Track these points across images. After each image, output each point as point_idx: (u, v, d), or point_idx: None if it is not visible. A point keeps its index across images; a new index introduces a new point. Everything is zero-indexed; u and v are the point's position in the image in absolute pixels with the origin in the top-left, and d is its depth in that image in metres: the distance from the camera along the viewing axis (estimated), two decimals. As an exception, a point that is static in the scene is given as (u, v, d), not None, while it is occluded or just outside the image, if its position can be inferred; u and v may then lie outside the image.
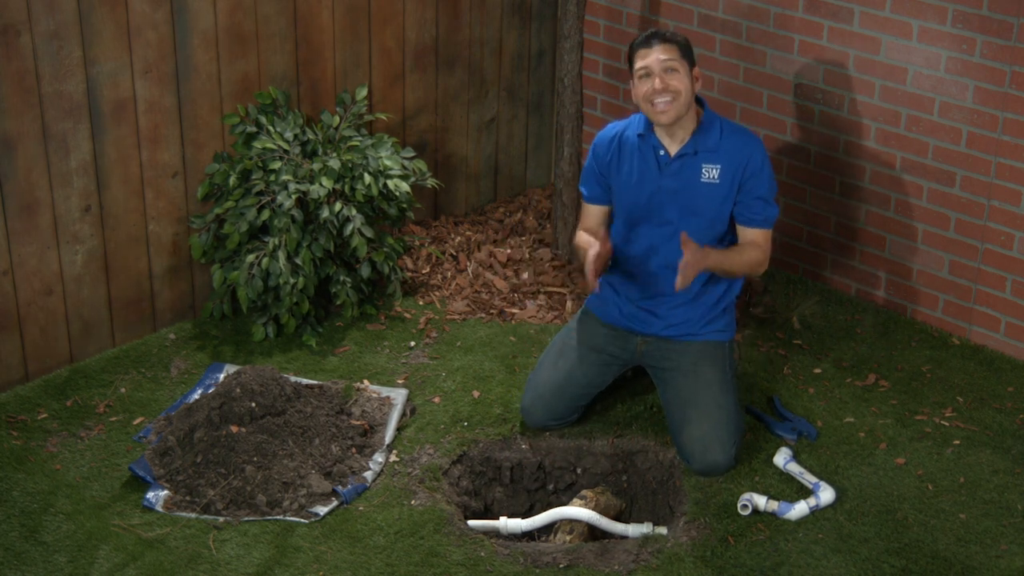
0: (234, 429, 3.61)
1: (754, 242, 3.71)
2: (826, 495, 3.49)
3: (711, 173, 3.65)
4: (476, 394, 3.98)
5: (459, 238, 4.85)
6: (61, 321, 4.03)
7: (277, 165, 4.15)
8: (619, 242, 3.81)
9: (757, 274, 3.78)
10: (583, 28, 4.57)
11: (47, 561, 3.29)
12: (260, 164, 4.18)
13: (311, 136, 4.30)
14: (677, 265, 3.66)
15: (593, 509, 3.55)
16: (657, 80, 3.57)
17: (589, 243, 3.68)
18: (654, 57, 3.58)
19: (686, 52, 3.62)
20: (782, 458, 3.63)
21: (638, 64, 3.61)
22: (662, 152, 3.68)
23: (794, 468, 3.59)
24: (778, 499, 3.50)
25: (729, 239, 3.75)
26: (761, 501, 3.47)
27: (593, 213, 3.86)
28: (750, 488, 3.56)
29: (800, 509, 3.46)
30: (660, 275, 3.73)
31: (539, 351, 4.18)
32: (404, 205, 4.38)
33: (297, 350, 4.19)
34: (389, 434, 3.77)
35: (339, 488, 3.53)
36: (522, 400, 3.83)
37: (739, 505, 3.47)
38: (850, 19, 4.28)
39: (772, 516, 3.47)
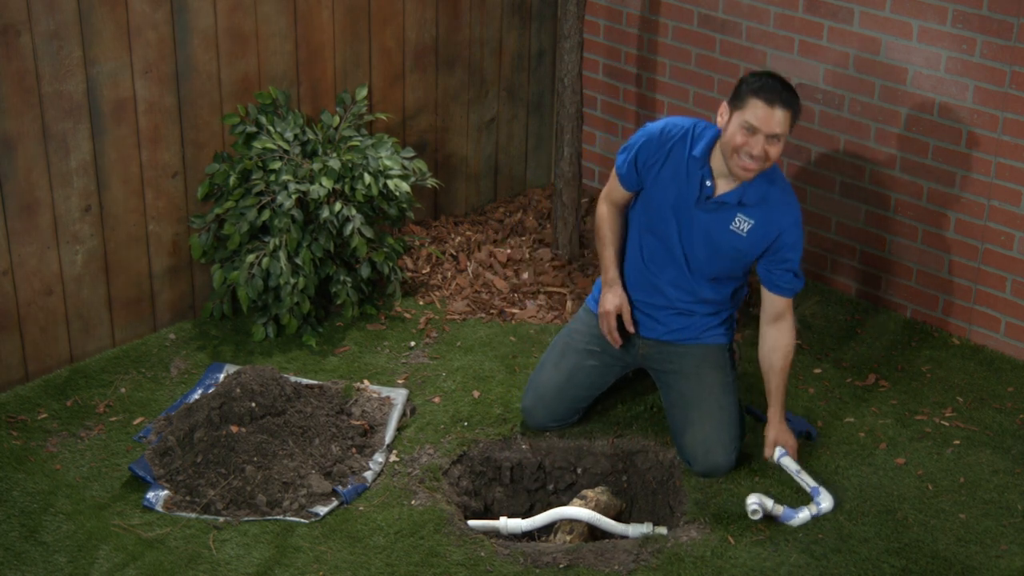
0: (234, 429, 3.61)
1: (782, 312, 3.63)
2: (826, 503, 3.47)
3: (741, 225, 3.55)
4: (476, 394, 3.98)
5: (459, 238, 4.85)
6: (61, 321, 4.03)
7: (277, 165, 4.15)
8: (633, 242, 3.77)
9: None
10: (583, 28, 4.57)
11: (47, 561, 3.29)
12: (260, 164, 4.18)
13: (311, 136, 4.30)
14: (681, 283, 3.65)
15: (593, 509, 3.55)
16: (759, 147, 3.39)
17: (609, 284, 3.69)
18: (770, 123, 3.37)
19: (796, 118, 3.46)
20: (777, 451, 3.63)
21: (750, 118, 3.37)
22: (708, 184, 3.54)
23: (789, 464, 3.58)
24: (781, 502, 3.50)
25: (733, 281, 3.70)
26: (769, 504, 3.46)
27: (621, 193, 3.72)
28: (750, 488, 3.56)
29: (803, 517, 3.45)
30: (664, 289, 3.71)
31: (539, 351, 4.18)
32: (404, 205, 4.38)
33: (297, 350, 4.19)
34: (389, 434, 3.77)
35: (339, 488, 3.53)
36: (523, 401, 3.83)
37: (749, 509, 3.43)
38: (850, 19, 4.28)
39: (773, 517, 3.47)
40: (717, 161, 3.53)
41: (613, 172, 3.72)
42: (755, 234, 3.55)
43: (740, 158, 3.42)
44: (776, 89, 3.39)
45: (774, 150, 3.41)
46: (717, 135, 3.52)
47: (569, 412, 3.81)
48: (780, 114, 3.39)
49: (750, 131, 3.39)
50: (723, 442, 3.59)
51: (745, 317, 4.40)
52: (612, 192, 3.77)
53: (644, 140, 3.62)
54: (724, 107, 3.47)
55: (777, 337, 3.63)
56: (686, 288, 3.68)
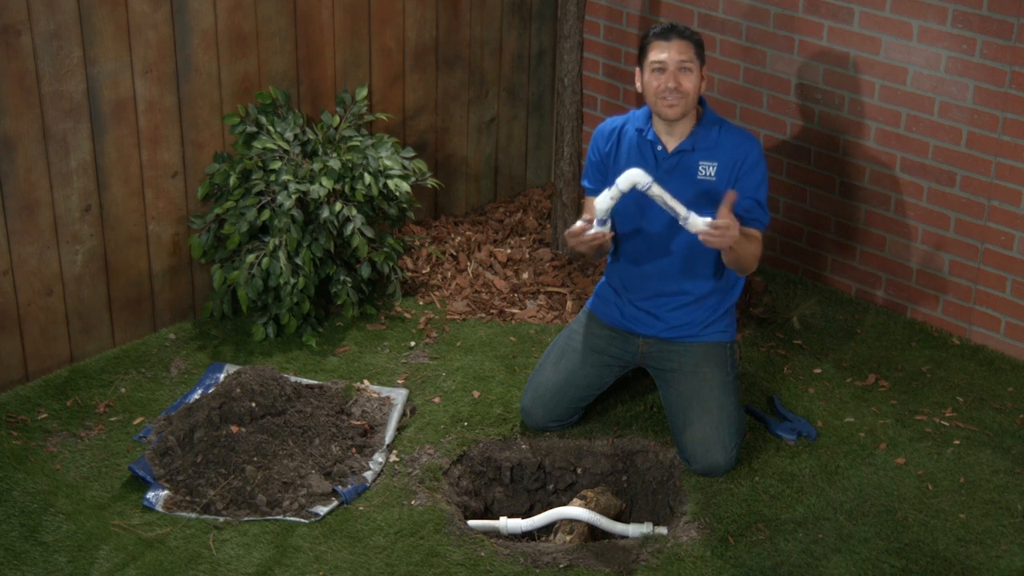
0: (234, 429, 3.61)
1: (750, 232, 3.68)
2: (695, 218, 3.41)
3: (708, 170, 3.65)
4: (476, 394, 3.98)
5: (459, 238, 4.85)
6: (61, 321, 4.03)
7: (277, 165, 4.15)
8: (620, 245, 3.80)
9: (748, 271, 3.75)
10: (583, 28, 4.57)
11: (47, 561, 3.29)
12: (260, 164, 4.18)
13: (311, 136, 4.30)
14: (671, 269, 3.68)
15: (593, 509, 3.55)
16: (671, 79, 3.57)
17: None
18: (672, 54, 3.57)
19: (700, 51, 3.62)
20: (699, 221, 3.47)
21: (653, 57, 3.60)
22: (659, 147, 3.68)
23: (603, 201, 3.49)
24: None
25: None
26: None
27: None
28: (750, 488, 3.56)
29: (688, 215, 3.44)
30: (657, 273, 3.73)
31: (539, 351, 4.18)
32: (404, 205, 4.38)
33: (297, 350, 4.19)
34: (389, 434, 3.77)
35: (339, 488, 3.53)
36: (522, 401, 3.83)
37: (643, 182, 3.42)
38: (850, 19, 4.28)
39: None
40: (659, 126, 3.69)
41: (585, 200, 3.88)
42: (723, 171, 3.66)
43: (662, 99, 3.59)
44: (667, 27, 3.63)
45: (687, 81, 3.59)
46: (650, 110, 3.71)
47: (568, 412, 3.81)
48: (677, 43, 3.59)
49: (659, 70, 3.59)
50: (723, 441, 3.59)
51: (745, 317, 4.40)
52: (588, 211, 3.82)
53: (594, 140, 3.84)
54: (636, 72, 3.68)
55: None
56: (677, 272, 3.69)
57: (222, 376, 4.02)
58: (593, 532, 3.57)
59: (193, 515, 3.45)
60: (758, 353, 4.20)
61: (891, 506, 3.50)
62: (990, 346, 4.26)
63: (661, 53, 3.58)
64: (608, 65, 5.06)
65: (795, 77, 4.49)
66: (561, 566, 3.31)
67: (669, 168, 3.67)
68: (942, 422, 3.86)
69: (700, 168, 3.66)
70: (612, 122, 3.82)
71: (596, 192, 3.82)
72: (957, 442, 3.77)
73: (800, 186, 4.61)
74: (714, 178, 3.65)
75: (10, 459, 3.64)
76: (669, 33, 3.60)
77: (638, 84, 3.68)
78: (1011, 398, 3.99)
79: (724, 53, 4.66)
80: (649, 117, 3.72)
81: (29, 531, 3.39)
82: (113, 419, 3.85)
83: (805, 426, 3.80)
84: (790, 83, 4.51)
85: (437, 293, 4.55)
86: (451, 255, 4.75)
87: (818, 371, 4.12)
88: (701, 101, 3.71)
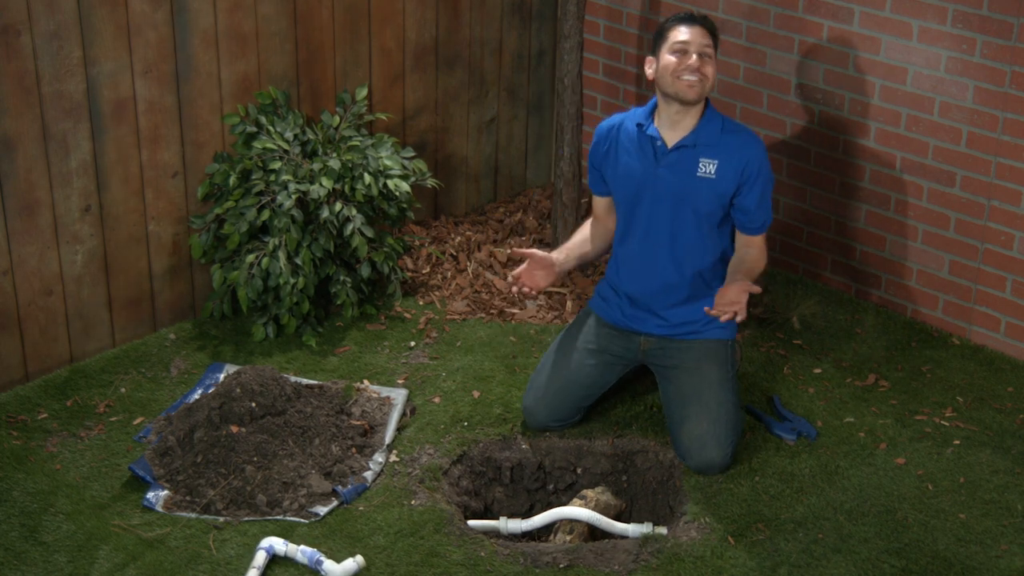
0: (234, 429, 3.61)
1: (752, 243, 3.72)
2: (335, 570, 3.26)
3: (708, 168, 3.64)
4: (476, 394, 3.98)
5: (459, 238, 4.85)
6: (61, 321, 4.03)
7: (277, 165, 4.15)
8: (618, 234, 3.82)
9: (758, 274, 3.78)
10: (583, 28, 4.57)
11: (47, 561, 3.29)
12: (260, 164, 4.18)
13: (311, 136, 4.30)
14: (672, 258, 3.70)
15: (593, 509, 3.55)
16: (695, 58, 3.56)
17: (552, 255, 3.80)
18: (695, 38, 3.58)
19: (717, 43, 3.65)
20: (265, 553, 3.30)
21: (677, 38, 3.59)
22: (659, 143, 3.67)
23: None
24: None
25: (718, 234, 3.73)
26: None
27: (598, 203, 3.94)
28: (750, 488, 3.56)
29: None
30: (656, 269, 3.73)
31: (539, 351, 4.18)
32: (404, 205, 4.38)
33: (297, 350, 4.19)
34: (389, 434, 3.77)
35: (339, 488, 3.53)
36: (524, 400, 3.82)
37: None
38: (850, 19, 4.28)
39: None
40: (662, 120, 3.68)
41: (593, 199, 3.96)
42: (724, 171, 3.64)
43: (681, 78, 3.57)
44: (689, 14, 3.65)
45: (709, 69, 3.59)
46: (654, 105, 3.71)
47: (571, 412, 3.81)
48: (701, 30, 3.61)
49: (681, 51, 3.58)
50: (718, 437, 3.58)
51: (745, 317, 4.40)
52: (593, 208, 3.97)
53: (593, 140, 3.84)
54: (649, 59, 3.68)
55: (745, 253, 3.73)
56: (679, 270, 3.72)
57: (222, 376, 4.02)
58: (593, 532, 3.57)
59: (193, 515, 3.45)
60: (758, 353, 4.20)
61: (891, 506, 3.50)
62: (990, 346, 4.26)
63: (685, 35, 3.59)
64: (608, 65, 5.06)
65: (795, 77, 4.49)
66: (561, 566, 3.31)
67: (669, 164, 3.66)
68: (942, 422, 3.86)
69: (700, 165, 3.64)
70: (611, 120, 3.82)
71: (595, 189, 3.88)
72: (957, 442, 3.77)
73: (800, 186, 4.61)
74: (714, 176, 3.63)
75: (10, 459, 3.64)
76: (692, 21, 3.62)
77: (649, 71, 3.67)
78: (1011, 398, 3.99)
79: (724, 53, 4.65)
80: (651, 112, 3.71)
81: (29, 531, 3.39)
82: (113, 419, 3.85)
83: (805, 426, 3.80)
84: (790, 83, 4.51)
85: (437, 293, 4.55)
86: (451, 255, 4.75)
87: (818, 371, 4.12)
88: (705, 99, 3.70)
